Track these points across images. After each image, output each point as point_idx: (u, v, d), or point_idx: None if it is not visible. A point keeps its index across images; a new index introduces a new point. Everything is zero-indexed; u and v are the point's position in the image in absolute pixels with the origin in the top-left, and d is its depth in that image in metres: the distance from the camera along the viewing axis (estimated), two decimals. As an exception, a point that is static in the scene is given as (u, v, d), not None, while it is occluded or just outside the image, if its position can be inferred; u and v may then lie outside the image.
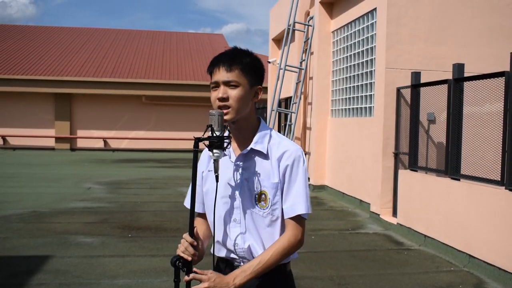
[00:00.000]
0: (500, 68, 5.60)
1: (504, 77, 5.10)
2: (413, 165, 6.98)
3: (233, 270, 1.88)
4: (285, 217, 1.86)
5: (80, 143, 23.07)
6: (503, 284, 4.90)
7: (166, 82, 22.12)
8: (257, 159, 1.88)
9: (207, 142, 1.77)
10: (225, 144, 1.78)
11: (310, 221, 7.67)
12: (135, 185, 11.82)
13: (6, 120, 22.41)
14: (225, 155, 1.88)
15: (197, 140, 1.75)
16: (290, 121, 12.21)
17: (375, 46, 8.41)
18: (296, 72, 12.08)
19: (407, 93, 7.33)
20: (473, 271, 5.35)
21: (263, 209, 1.87)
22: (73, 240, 6.34)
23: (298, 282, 4.82)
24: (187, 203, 2.03)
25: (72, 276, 4.93)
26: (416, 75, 7.00)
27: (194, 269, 1.79)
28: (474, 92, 5.75)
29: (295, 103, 11.82)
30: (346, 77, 10.07)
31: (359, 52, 9.43)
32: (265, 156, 1.88)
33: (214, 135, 1.76)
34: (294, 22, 11.96)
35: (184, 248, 1.79)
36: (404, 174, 7.13)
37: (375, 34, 8.48)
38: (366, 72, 9.08)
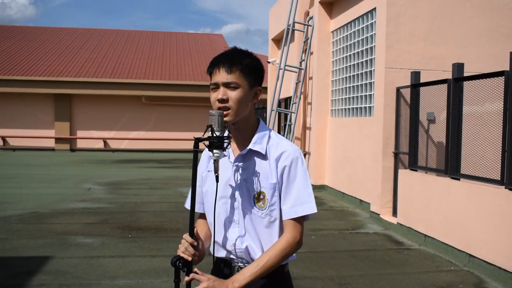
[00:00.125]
0: (499, 68, 5.61)
1: (503, 77, 5.10)
2: (413, 165, 6.98)
3: (231, 270, 1.89)
4: (284, 218, 1.86)
5: (80, 144, 23.07)
6: (503, 284, 4.90)
7: (166, 82, 22.12)
8: (256, 160, 1.88)
9: (207, 142, 1.77)
10: (225, 144, 1.78)
11: (310, 221, 7.65)
12: (135, 185, 11.82)
13: (6, 121, 22.41)
14: (224, 155, 1.88)
15: (197, 140, 1.75)
16: (290, 121, 12.21)
17: (374, 45, 8.42)
18: (296, 72, 12.08)
19: (406, 93, 7.33)
20: (473, 271, 5.35)
21: (261, 210, 1.87)
22: (73, 240, 6.34)
23: (298, 282, 4.82)
24: (187, 205, 2.04)
25: (72, 276, 4.93)
26: (415, 75, 7.00)
27: (195, 269, 1.79)
28: (474, 91, 5.75)
29: (295, 103, 11.82)
30: (346, 77, 10.08)
31: (358, 52, 9.43)
32: (264, 156, 1.88)
33: (214, 135, 1.76)
34: (294, 22, 11.96)
35: (184, 249, 1.79)
36: (404, 174, 7.13)
37: (374, 33, 8.49)
38: (366, 72, 9.08)
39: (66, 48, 25.82)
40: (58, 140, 22.69)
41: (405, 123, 7.37)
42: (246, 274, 1.78)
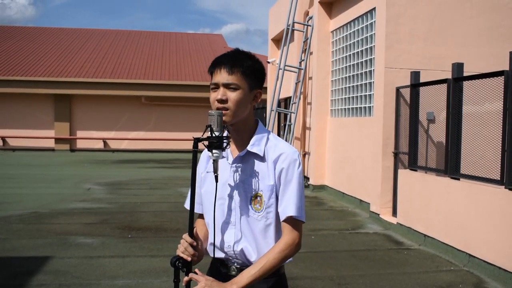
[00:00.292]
0: (499, 68, 5.61)
1: (503, 76, 5.10)
2: (413, 165, 6.98)
3: (228, 270, 1.90)
4: (281, 220, 1.87)
5: (80, 144, 23.07)
6: (503, 284, 4.90)
7: (166, 82, 22.11)
8: (254, 162, 1.89)
9: (206, 143, 1.77)
10: (224, 144, 1.78)
11: (310, 221, 7.67)
12: (135, 185, 11.82)
13: (5, 121, 22.41)
14: (223, 156, 1.88)
15: (197, 141, 1.75)
16: (290, 121, 12.21)
17: (374, 45, 8.42)
18: (296, 72, 12.08)
19: (406, 93, 7.33)
20: (473, 271, 5.35)
21: (258, 212, 1.87)
22: (73, 240, 6.34)
23: (298, 282, 4.82)
24: (187, 205, 2.04)
25: (72, 276, 4.93)
26: (415, 75, 7.00)
27: (194, 270, 1.79)
28: (474, 91, 5.75)
29: (295, 103, 11.82)
30: (346, 77, 10.08)
31: (358, 51, 9.43)
32: (262, 158, 1.88)
33: (213, 135, 1.76)
34: (294, 22, 11.96)
35: (183, 249, 1.79)
36: (404, 174, 7.13)
37: (374, 33, 8.49)
38: (366, 72, 9.08)
39: (66, 48, 25.81)
40: (58, 140, 22.68)
41: (405, 123, 7.37)
42: (245, 276, 1.78)
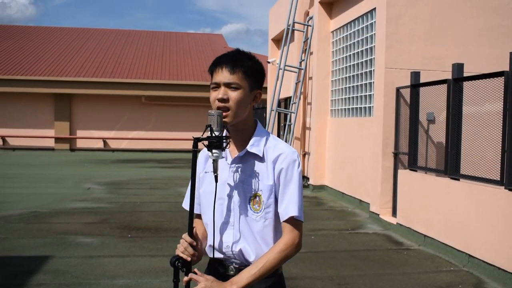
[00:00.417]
0: (499, 68, 5.60)
1: (503, 77, 5.10)
2: (413, 165, 6.98)
3: (226, 270, 1.90)
4: (281, 220, 1.87)
5: (80, 144, 23.07)
6: (503, 284, 4.90)
7: (166, 82, 22.12)
8: (253, 162, 1.89)
9: (206, 142, 1.77)
10: (224, 144, 1.78)
11: (310, 221, 7.67)
12: (135, 185, 11.82)
13: (5, 120, 22.41)
14: (222, 156, 1.89)
15: (196, 140, 1.75)
16: (290, 121, 12.21)
17: (374, 46, 8.42)
18: (296, 72, 12.08)
19: (406, 93, 7.33)
20: (472, 271, 5.35)
21: (256, 213, 1.87)
22: (72, 240, 6.34)
23: (298, 282, 4.82)
24: (185, 205, 2.04)
25: (71, 276, 4.93)
26: (415, 75, 7.00)
27: (194, 269, 1.79)
28: (474, 92, 5.75)
29: (295, 103, 11.82)
30: (346, 77, 10.08)
31: (358, 52, 9.43)
32: (261, 159, 1.89)
33: (213, 135, 1.76)
34: (294, 22, 11.96)
35: (183, 249, 1.79)
36: (404, 174, 7.13)
37: (374, 34, 8.49)
38: (366, 72, 9.08)
39: (66, 48, 25.82)
40: (58, 139, 22.68)
41: (405, 123, 7.37)
42: (245, 276, 1.78)
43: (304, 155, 11.90)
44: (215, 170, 1.80)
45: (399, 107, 7.63)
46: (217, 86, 1.85)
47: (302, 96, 11.95)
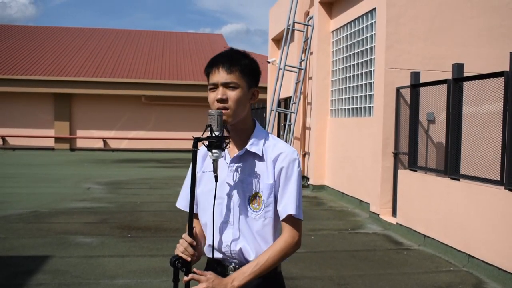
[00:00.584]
0: (499, 68, 5.60)
1: (503, 77, 5.10)
2: (413, 165, 6.98)
3: (225, 270, 1.89)
4: (280, 218, 1.88)
5: (80, 143, 23.07)
6: (503, 284, 4.90)
7: (166, 82, 22.12)
8: (252, 161, 1.89)
9: (206, 142, 1.77)
10: (224, 144, 1.78)
11: (310, 221, 7.67)
12: (135, 185, 11.82)
13: (5, 120, 22.41)
14: (221, 156, 1.88)
15: (196, 140, 1.75)
16: (290, 121, 12.21)
17: (374, 46, 8.42)
18: (296, 72, 12.08)
19: (406, 93, 7.33)
20: (472, 271, 5.35)
21: (256, 212, 1.87)
22: (72, 240, 6.34)
23: (298, 282, 4.82)
24: (179, 205, 2.04)
25: (71, 276, 4.93)
26: (415, 75, 7.00)
27: (194, 269, 1.79)
28: (474, 92, 5.75)
29: (295, 103, 11.82)
30: (346, 77, 10.08)
31: (358, 52, 9.43)
32: (260, 158, 1.89)
33: (213, 135, 1.76)
34: (294, 22, 11.96)
35: (183, 249, 1.79)
36: (404, 174, 7.13)
37: (374, 34, 8.49)
38: (366, 72, 9.08)
39: (66, 48, 25.82)
40: (57, 139, 22.69)
41: (405, 123, 7.37)
42: (245, 273, 1.78)
43: (304, 155, 11.90)
44: (215, 170, 1.80)
45: (399, 107, 7.63)
46: (215, 86, 1.84)
47: (302, 96, 11.95)
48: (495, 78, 5.30)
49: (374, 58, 8.46)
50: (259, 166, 1.88)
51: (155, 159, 19.77)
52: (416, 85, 6.95)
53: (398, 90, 7.63)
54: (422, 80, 6.99)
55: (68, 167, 15.83)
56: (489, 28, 7.84)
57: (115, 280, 4.85)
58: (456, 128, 5.97)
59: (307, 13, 12.08)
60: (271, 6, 15.52)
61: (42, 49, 25.23)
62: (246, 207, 1.88)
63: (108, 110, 23.12)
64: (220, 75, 1.82)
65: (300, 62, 12.01)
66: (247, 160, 1.89)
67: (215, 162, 1.79)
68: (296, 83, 11.97)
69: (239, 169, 1.90)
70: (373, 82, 8.44)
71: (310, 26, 11.62)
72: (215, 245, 1.92)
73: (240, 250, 1.88)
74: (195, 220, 2.06)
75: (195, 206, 2.02)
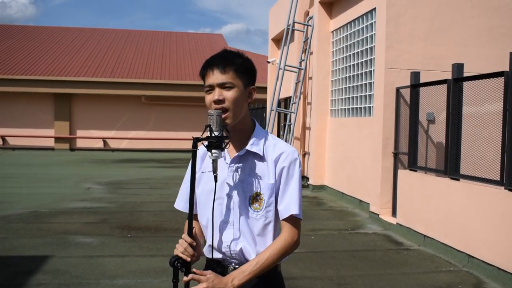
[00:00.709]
0: (499, 68, 5.60)
1: (503, 77, 5.10)
2: (413, 165, 6.98)
3: (225, 270, 1.89)
4: (280, 218, 1.88)
5: (80, 143, 23.07)
6: (503, 284, 4.90)
7: (166, 82, 22.12)
8: (253, 161, 1.89)
9: (206, 142, 1.77)
10: (224, 144, 1.78)
11: (310, 221, 7.67)
12: (135, 185, 11.82)
13: (5, 120, 22.42)
14: (221, 156, 1.88)
15: (196, 140, 1.75)
16: (290, 121, 12.21)
17: (374, 46, 8.42)
18: (296, 72, 12.08)
19: (406, 93, 7.33)
20: (472, 271, 5.35)
21: (257, 212, 1.87)
22: (72, 240, 6.34)
23: (298, 282, 4.82)
24: (177, 205, 2.05)
25: (71, 276, 4.93)
26: (415, 75, 7.00)
27: (193, 269, 1.79)
28: (474, 92, 5.75)
29: (295, 103, 11.82)
30: (346, 77, 10.08)
31: (358, 52, 9.43)
32: (261, 158, 1.89)
33: (213, 135, 1.75)
34: (294, 22, 11.96)
35: (183, 249, 1.79)
36: (404, 174, 7.13)
37: (374, 34, 8.49)
38: (366, 72, 9.08)
39: (66, 48, 25.82)
40: (57, 139, 22.69)
41: (405, 123, 7.37)
42: (245, 271, 1.78)
43: (304, 155, 11.90)
44: (214, 170, 1.80)
45: (399, 107, 7.63)
46: (211, 88, 1.84)
47: (302, 96, 11.95)
48: (495, 78, 5.30)
49: (374, 58, 8.46)
50: (259, 166, 1.88)
51: (155, 159, 19.77)
52: (416, 85, 6.95)
53: (398, 90, 7.63)
54: (422, 80, 6.99)
55: (68, 167, 15.83)
56: (489, 28, 7.84)
57: (115, 280, 4.85)
58: (456, 128, 5.97)
59: (307, 13, 12.08)
60: (271, 6, 15.53)
61: (42, 49, 25.24)
62: (247, 207, 1.88)
63: (108, 110, 23.12)
64: (215, 76, 1.82)
65: (300, 62, 12.01)
66: (247, 160, 1.89)
67: (214, 162, 1.79)
68: (296, 83, 11.97)
69: (239, 170, 1.89)
70: (373, 82, 8.44)
71: (310, 26, 11.62)
72: (215, 245, 1.92)
73: (241, 250, 1.88)
74: (194, 221, 2.06)
75: (194, 206, 2.02)
